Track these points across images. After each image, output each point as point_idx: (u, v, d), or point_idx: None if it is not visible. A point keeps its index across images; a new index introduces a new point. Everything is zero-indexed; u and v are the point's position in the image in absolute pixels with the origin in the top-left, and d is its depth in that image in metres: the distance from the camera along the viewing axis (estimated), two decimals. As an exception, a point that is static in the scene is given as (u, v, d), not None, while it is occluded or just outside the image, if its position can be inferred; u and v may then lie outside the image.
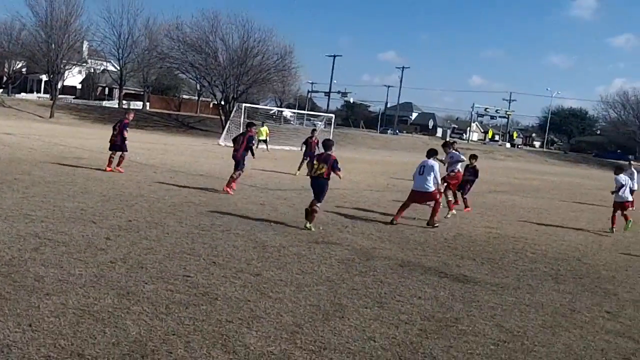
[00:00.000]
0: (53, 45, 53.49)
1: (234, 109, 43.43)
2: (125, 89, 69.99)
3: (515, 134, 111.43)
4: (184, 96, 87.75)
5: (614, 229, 13.95)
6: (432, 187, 12.08)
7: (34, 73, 76.80)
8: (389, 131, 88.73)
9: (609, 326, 6.39)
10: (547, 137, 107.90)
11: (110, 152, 16.62)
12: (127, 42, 62.77)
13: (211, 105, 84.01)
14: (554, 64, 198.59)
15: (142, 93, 74.06)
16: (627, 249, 11.86)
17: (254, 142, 16.08)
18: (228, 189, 14.27)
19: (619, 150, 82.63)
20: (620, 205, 14.36)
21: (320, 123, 55.97)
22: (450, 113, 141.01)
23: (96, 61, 73.77)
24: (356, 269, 7.82)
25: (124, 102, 71.31)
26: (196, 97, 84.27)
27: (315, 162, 10.96)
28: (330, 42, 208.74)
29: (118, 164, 16.42)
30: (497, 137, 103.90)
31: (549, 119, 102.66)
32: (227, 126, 40.96)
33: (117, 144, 16.49)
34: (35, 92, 79.06)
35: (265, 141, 33.65)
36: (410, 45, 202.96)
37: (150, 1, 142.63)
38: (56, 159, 18.25)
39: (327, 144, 11.06)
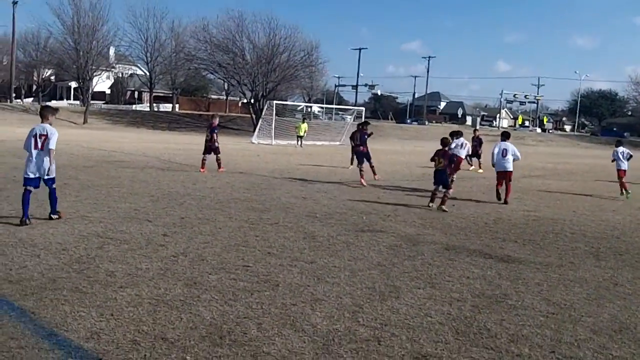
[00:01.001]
0: (81, 52, 54.63)
1: (265, 106, 43.97)
2: (155, 92, 71.11)
3: (545, 119, 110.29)
4: (212, 96, 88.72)
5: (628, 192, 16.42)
6: (511, 167, 14.36)
7: (63, 80, 78.44)
8: (408, 121, 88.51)
9: (652, 298, 6.63)
10: (578, 120, 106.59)
11: (203, 156, 18.19)
12: (154, 46, 63.71)
13: (240, 104, 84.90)
14: (580, 46, 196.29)
15: (171, 95, 75.17)
16: (667, 226, 11.97)
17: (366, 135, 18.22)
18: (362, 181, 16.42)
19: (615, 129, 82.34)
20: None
21: (349, 117, 56.30)
22: (479, 100, 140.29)
23: (124, 65, 74.98)
24: (404, 254, 8.16)
25: (154, 104, 72.48)
26: (224, 97, 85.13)
27: (435, 157, 12.89)
28: (354, 35, 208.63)
29: (219, 167, 18.06)
30: (527, 123, 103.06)
31: (578, 102, 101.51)
32: (259, 124, 41.47)
33: (212, 148, 18.08)
34: (65, 99, 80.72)
35: (301, 137, 34.35)
36: (434, 33, 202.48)
37: (175, 3, 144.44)
38: (99, 163, 18.92)
39: (444, 142, 13.17)
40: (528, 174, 22.31)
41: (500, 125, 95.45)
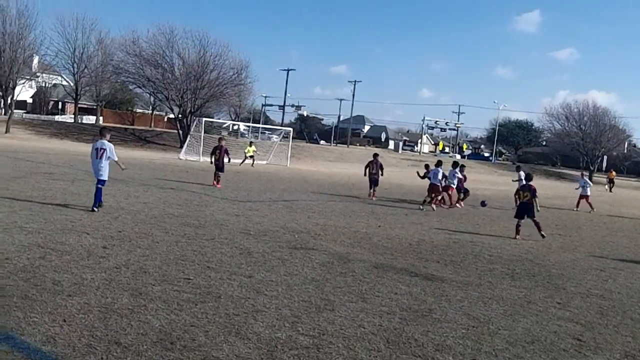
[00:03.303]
0: (4, 60, 52.78)
1: (194, 123, 43.88)
2: (79, 103, 69.34)
3: (464, 146, 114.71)
4: (138, 110, 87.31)
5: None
6: (438, 182, 19.53)
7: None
8: (322, 142, 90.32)
9: (560, 314, 7.43)
10: (495, 148, 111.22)
11: (215, 172, 21.10)
12: (81, 57, 62.29)
13: (165, 119, 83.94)
14: (500, 77, 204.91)
15: (95, 107, 73.52)
16: (573, 251, 13.06)
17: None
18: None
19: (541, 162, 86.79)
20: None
21: (276, 137, 56.85)
22: (402, 125, 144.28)
23: (49, 75, 72.77)
24: (336, 271, 8.69)
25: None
26: (150, 111, 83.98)
27: (521, 191, 14.82)
28: (283, 56, 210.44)
29: (217, 183, 20.71)
30: (447, 149, 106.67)
31: (496, 130, 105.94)
32: (187, 140, 41.36)
33: (220, 166, 21.17)
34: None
35: (252, 157, 37.07)
36: (362, 58, 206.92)
37: (105, 14, 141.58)
38: (28, 174, 18.60)
39: (529, 177, 15.49)
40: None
41: (421, 150, 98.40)
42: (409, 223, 15.10)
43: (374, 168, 21.43)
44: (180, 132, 50.15)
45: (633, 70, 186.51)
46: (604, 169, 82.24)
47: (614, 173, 53.67)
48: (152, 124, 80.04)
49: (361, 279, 8.31)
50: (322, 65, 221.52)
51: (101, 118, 73.05)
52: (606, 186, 50.97)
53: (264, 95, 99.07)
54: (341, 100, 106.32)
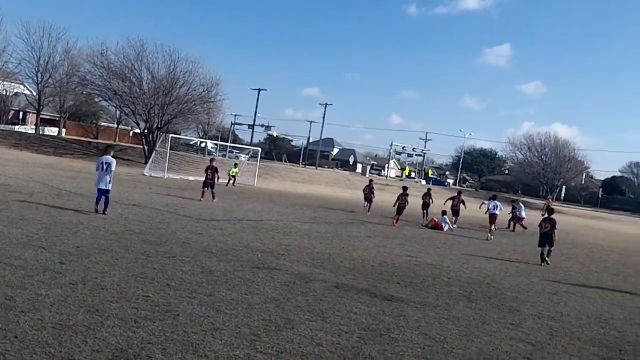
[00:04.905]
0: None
1: (160, 139, 43.50)
2: (41, 114, 68.12)
3: (430, 172, 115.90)
4: (103, 123, 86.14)
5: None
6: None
7: None
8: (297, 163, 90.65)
9: (513, 334, 7.64)
10: (460, 175, 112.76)
11: (203, 189, 23.50)
12: (46, 66, 61.17)
13: (131, 134, 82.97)
14: (468, 107, 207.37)
15: (58, 119, 72.25)
16: (528, 275, 13.33)
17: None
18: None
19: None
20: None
21: (244, 156, 56.69)
22: (370, 150, 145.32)
23: (10, 83, 71.30)
24: (298, 290, 8.71)
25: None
26: (115, 125, 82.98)
27: (542, 223, 16.13)
28: (255, 75, 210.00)
29: (213, 198, 23.16)
30: (413, 174, 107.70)
31: (461, 158, 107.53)
32: (152, 156, 40.94)
33: (209, 183, 23.49)
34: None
35: (234, 177, 37.75)
36: (334, 82, 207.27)
37: (72, 23, 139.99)
38: (-16, 186, 18.19)
39: (550, 209, 17.30)
40: (412, 222, 23.63)
41: (388, 175, 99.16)
42: (372, 245, 15.20)
43: (369, 191, 27.54)
44: (146, 147, 49.56)
45: (593, 105, 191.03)
46: (562, 198, 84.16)
47: (551, 200, 55.33)
48: (117, 138, 79.01)
49: (322, 298, 8.35)
50: (295, 86, 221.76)
51: (64, 130, 71.80)
52: (543, 212, 52.43)
53: (234, 113, 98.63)
54: (311, 122, 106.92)
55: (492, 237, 21.49)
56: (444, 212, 23.89)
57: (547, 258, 15.65)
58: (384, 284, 10.04)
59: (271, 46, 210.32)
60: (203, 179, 24.18)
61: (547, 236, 15.81)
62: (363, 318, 7.49)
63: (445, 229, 22.58)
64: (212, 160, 25.75)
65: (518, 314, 8.94)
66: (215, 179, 23.89)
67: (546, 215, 18.36)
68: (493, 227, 22.31)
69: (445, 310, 8.58)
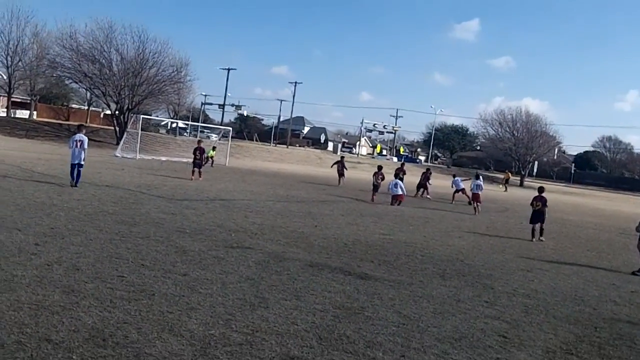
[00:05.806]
0: None
1: (131, 120, 43.04)
2: (12, 97, 66.86)
3: (402, 149, 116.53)
4: (74, 105, 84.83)
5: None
6: (400, 192, 23.57)
7: None
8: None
9: (487, 312, 7.76)
10: (431, 152, 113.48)
11: (193, 168, 24.88)
12: (15, 49, 60.03)
13: (102, 116, 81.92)
14: (438, 83, 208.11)
15: (28, 101, 71.09)
16: (502, 252, 13.55)
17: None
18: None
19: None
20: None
21: (216, 136, 56.42)
22: (341, 128, 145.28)
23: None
24: (272, 269, 8.80)
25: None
26: (86, 107, 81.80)
27: (533, 201, 16.85)
28: (224, 55, 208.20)
29: (199, 176, 24.62)
30: (384, 152, 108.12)
31: (432, 135, 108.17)
32: (124, 137, 40.53)
33: (198, 162, 24.98)
34: None
35: (212, 158, 37.68)
36: (302, 60, 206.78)
37: (40, 6, 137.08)
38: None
39: (541, 189, 17.54)
40: (385, 200, 23.83)
41: (359, 152, 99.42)
42: (345, 224, 15.32)
43: (378, 176, 26.06)
44: (117, 129, 49.05)
45: (564, 79, 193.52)
46: (534, 173, 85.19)
47: (509, 174, 56.71)
48: (88, 120, 77.77)
49: (296, 277, 8.44)
50: (263, 65, 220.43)
51: (35, 113, 70.60)
52: (501, 185, 54.15)
53: (204, 93, 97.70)
54: (281, 101, 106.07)
55: (478, 213, 23.28)
56: (396, 175, 24.89)
57: (541, 237, 16.44)
58: (357, 262, 10.16)
59: (239, 24, 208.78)
60: (191, 160, 25.74)
61: (538, 214, 16.64)
62: (337, 297, 7.59)
63: (400, 192, 23.43)
64: (199, 141, 28.08)
65: (492, 292, 9.06)
66: (203, 160, 25.89)
67: (537, 194, 18.68)
68: (476, 203, 23.84)
69: (419, 288, 8.71)
